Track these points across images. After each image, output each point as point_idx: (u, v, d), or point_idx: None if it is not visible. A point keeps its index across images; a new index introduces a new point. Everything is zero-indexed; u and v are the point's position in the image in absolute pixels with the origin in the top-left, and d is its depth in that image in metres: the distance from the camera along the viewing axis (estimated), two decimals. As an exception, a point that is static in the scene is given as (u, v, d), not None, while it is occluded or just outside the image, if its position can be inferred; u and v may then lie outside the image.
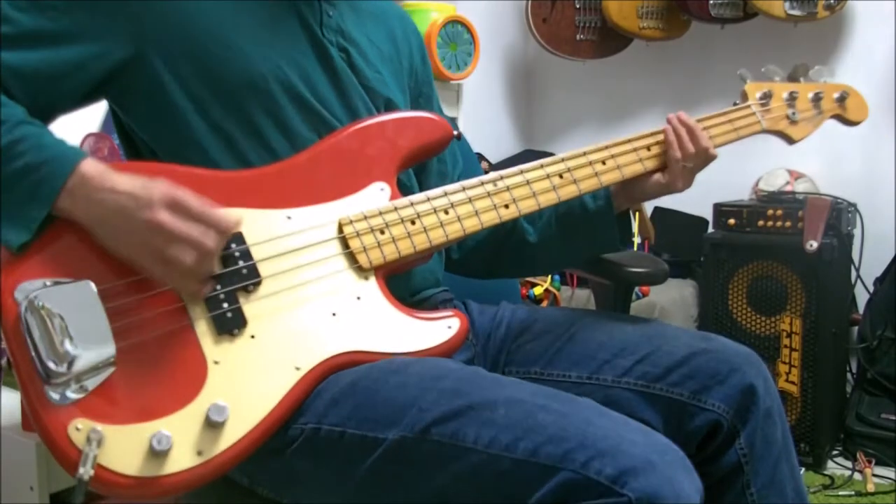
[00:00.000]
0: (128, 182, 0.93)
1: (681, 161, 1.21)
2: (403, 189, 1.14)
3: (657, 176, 1.23)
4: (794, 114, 1.34)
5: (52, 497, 1.40)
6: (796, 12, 2.55)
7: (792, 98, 1.35)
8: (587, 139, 3.16)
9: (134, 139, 1.10)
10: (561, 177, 1.17)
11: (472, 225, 1.11)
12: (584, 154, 1.19)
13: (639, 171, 1.21)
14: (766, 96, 1.34)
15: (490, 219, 1.12)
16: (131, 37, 1.02)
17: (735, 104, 1.33)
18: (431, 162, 1.29)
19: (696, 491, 0.85)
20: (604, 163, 1.19)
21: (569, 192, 1.17)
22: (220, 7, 1.05)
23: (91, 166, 0.94)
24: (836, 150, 2.70)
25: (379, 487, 0.94)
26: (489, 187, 1.13)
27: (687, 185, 1.24)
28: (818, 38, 2.70)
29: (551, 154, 1.16)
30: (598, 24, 2.79)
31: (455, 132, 1.16)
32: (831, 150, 2.69)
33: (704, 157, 1.22)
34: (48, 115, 1.03)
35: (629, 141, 1.22)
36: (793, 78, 1.38)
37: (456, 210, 1.10)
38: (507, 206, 1.13)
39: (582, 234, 1.26)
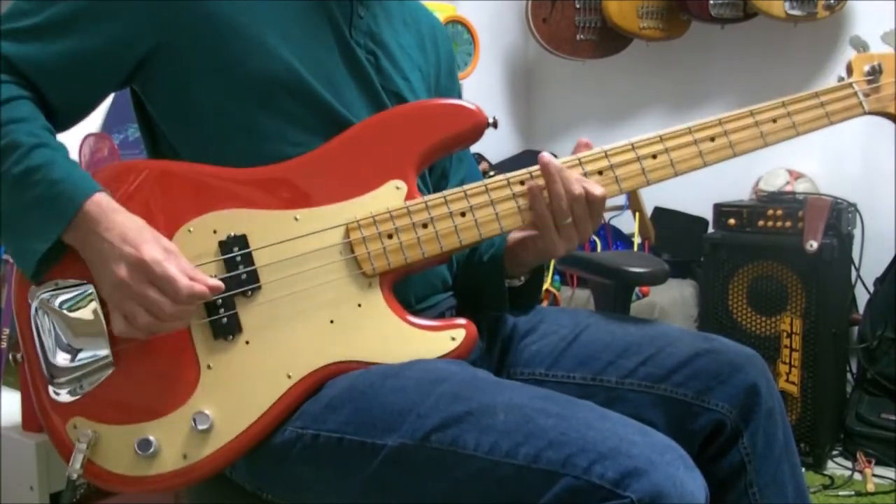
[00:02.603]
0: (116, 228, 0.94)
1: (549, 223, 1.03)
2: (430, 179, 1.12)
3: (529, 234, 1.08)
4: None
5: (52, 497, 1.40)
6: (796, 12, 2.55)
7: None
8: (587, 139, 3.15)
9: (155, 132, 1.10)
10: (601, 174, 1.05)
11: (490, 230, 1.04)
12: (633, 147, 1.06)
13: (697, 166, 1.08)
14: (876, 71, 1.14)
15: (511, 223, 1.04)
16: (157, 26, 1.01)
17: (840, 79, 1.15)
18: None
19: (700, 487, 0.85)
20: (654, 157, 1.06)
21: (608, 190, 1.05)
22: (248, 2, 1.04)
23: (95, 206, 0.95)
24: (836, 150, 2.70)
25: (382, 493, 0.94)
26: (516, 188, 1.04)
27: (569, 245, 1.05)
28: (818, 38, 2.70)
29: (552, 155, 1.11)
30: (598, 24, 2.78)
31: (490, 120, 1.07)
32: (831, 150, 2.69)
33: (583, 210, 1.03)
34: (81, 108, 1.05)
35: (689, 131, 1.08)
36: None
37: (474, 214, 1.04)
38: (531, 209, 1.04)
39: (477, 282, 1.19)
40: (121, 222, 0.95)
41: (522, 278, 1.20)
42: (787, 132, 1.11)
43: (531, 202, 1.03)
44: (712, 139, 1.09)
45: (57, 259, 0.97)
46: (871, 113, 1.15)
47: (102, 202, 0.95)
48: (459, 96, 1.31)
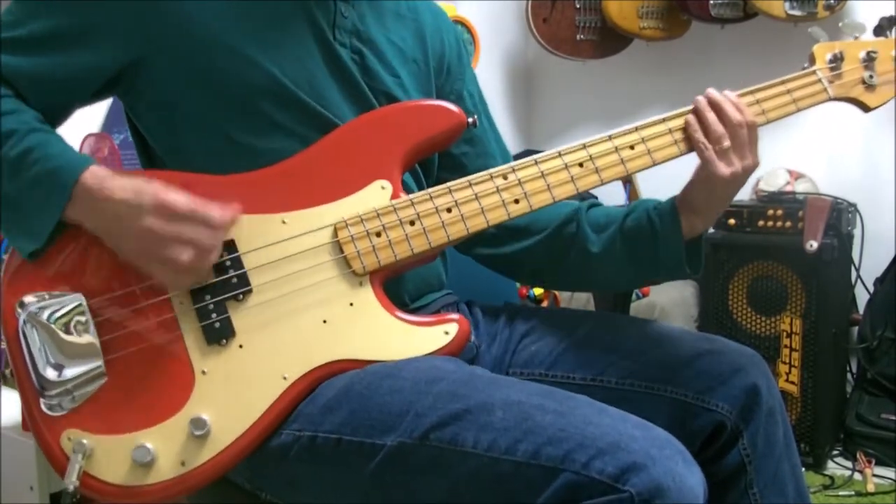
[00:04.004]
0: (122, 189, 0.95)
1: (707, 145, 1.08)
2: (415, 180, 1.12)
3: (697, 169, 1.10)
4: (871, 77, 1.17)
5: (52, 497, 1.40)
6: (796, 12, 2.55)
7: (870, 59, 1.18)
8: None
9: (145, 141, 1.10)
10: (581, 165, 1.08)
11: (476, 224, 1.06)
12: (610, 138, 1.09)
13: (674, 154, 1.10)
14: (837, 59, 1.17)
15: (497, 216, 1.06)
16: (136, 40, 1.01)
17: (804, 68, 1.18)
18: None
19: (699, 482, 0.85)
20: (632, 147, 1.09)
21: (590, 181, 1.08)
22: (225, 9, 1.03)
23: (92, 176, 0.95)
24: (836, 150, 2.70)
25: (381, 493, 0.94)
26: (499, 182, 1.07)
27: (731, 168, 1.08)
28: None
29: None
30: (598, 24, 2.78)
31: (469, 119, 1.08)
32: (831, 150, 2.69)
33: (742, 135, 1.08)
34: (59, 115, 1.05)
35: (663, 120, 1.11)
36: (879, 32, 1.19)
37: (460, 209, 1.05)
38: (517, 202, 1.07)
39: (646, 254, 1.14)
40: (126, 181, 0.96)
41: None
42: (757, 119, 1.13)
43: (688, 131, 1.10)
44: (685, 129, 1.12)
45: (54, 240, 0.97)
46: (835, 98, 1.18)
47: (99, 172, 0.96)
48: (473, 80, 1.31)
